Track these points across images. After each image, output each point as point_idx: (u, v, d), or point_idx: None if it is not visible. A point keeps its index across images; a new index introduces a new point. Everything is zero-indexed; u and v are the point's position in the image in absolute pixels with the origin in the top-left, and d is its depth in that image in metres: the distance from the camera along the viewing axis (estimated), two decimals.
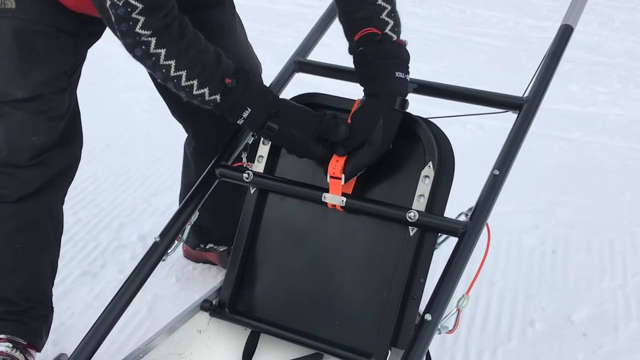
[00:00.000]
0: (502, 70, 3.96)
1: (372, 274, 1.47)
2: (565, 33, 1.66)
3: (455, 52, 4.24)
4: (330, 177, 1.46)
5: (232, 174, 1.59)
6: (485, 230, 1.41)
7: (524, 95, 1.57)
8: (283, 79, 1.71)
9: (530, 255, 2.41)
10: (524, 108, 1.54)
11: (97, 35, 1.76)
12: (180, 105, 1.87)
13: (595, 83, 3.87)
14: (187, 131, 2.07)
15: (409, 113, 1.49)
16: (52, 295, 1.84)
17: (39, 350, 1.79)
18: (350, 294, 1.49)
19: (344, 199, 1.46)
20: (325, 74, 1.74)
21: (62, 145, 1.74)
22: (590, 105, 3.64)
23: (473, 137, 3.10)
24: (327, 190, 1.47)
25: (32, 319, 1.77)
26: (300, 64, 1.74)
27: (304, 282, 1.54)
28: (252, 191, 1.58)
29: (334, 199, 1.46)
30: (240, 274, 1.58)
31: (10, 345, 1.71)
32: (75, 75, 1.74)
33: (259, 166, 1.57)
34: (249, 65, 1.88)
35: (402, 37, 1.50)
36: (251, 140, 1.65)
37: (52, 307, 1.84)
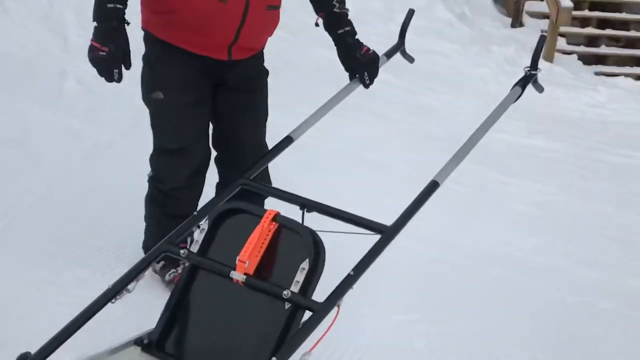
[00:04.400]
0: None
1: (256, 334, 2.07)
2: (432, 187, 2.33)
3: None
4: (239, 260, 2.09)
5: (174, 249, 2.22)
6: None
7: (389, 225, 2.20)
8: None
9: None
10: (385, 234, 2.18)
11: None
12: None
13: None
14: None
15: (302, 225, 2.13)
16: None
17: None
18: (240, 348, 2.08)
19: (245, 277, 2.08)
20: None
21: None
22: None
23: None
24: (234, 269, 2.09)
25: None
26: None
27: (213, 334, 2.13)
28: (186, 264, 2.22)
29: (238, 276, 2.08)
30: (170, 320, 2.18)
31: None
32: None
33: (195, 247, 2.21)
34: None
35: None
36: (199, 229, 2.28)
37: None
